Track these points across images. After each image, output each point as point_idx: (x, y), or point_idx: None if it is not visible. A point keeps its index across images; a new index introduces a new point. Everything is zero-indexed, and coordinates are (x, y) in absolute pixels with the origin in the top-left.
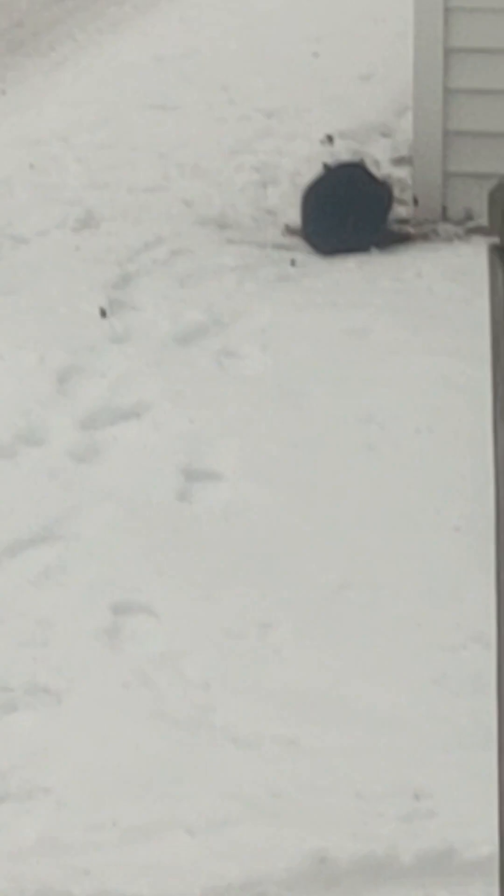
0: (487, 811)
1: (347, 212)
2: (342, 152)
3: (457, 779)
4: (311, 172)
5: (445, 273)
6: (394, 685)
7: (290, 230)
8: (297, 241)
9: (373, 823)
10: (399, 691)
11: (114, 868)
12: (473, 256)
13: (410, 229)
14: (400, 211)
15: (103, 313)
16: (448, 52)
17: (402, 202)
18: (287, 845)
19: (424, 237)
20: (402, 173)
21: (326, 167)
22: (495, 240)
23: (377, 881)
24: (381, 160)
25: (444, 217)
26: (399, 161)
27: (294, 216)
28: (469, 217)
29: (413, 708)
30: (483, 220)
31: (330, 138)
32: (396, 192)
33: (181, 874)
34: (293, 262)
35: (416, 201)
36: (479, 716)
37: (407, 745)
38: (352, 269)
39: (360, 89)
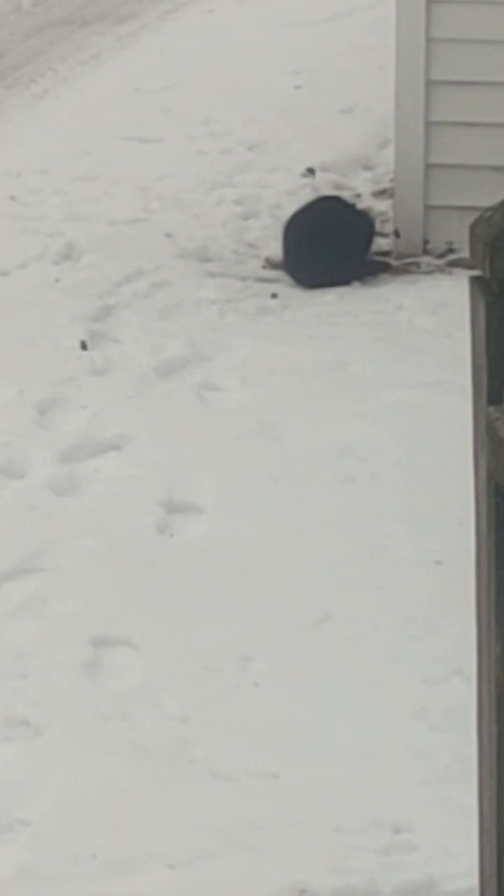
0: (467, 844)
1: (328, 245)
2: (323, 185)
3: (436, 812)
4: (293, 205)
5: (426, 306)
6: (373, 719)
7: (271, 263)
8: (278, 274)
9: (352, 857)
10: (378, 725)
11: None
12: (454, 289)
13: (392, 262)
14: (381, 243)
15: (83, 346)
16: (429, 85)
17: (384, 235)
18: (266, 879)
19: (405, 270)
20: (383, 206)
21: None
22: (476, 272)
23: None
24: (362, 193)
25: (426, 250)
26: (380, 194)
27: (275, 249)
28: (450, 250)
29: (392, 742)
30: (464, 253)
31: (311, 171)
32: (378, 225)
33: None
34: (274, 295)
35: (397, 234)
36: (459, 749)
37: (386, 778)
38: (333, 302)
39: (341, 122)
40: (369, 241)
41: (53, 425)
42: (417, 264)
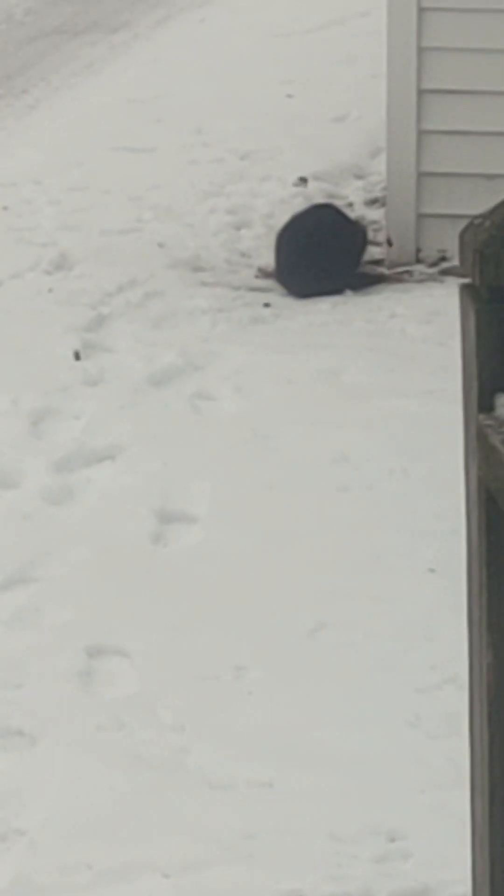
0: (462, 852)
1: (321, 254)
2: (316, 194)
3: (431, 820)
4: (285, 215)
5: (419, 314)
6: (368, 727)
7: (263, 272)
8: (270, 284)
9: (347, 865)
10: (373, 733)
11: None
12: (447, 297)
13: (384, 270)
14: (374, 252)
15: (77, 356)
16: (421, 94)
17: (376, 243)
18: (261, 887)
19: (398, 278)
20: (375, 215)
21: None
22: (467, 280)
23: None
24: (354, 201)
25: (418, 258)
26: (372, 202)
27: (268, 258)
28: (443, 258)
29: (387, 750)
30: (456, 262)
31: (303, 180)
32: (370, 234)
33: None
34: (267, 305)
35: (389, 242)
36: (453, 757)
37: (381, 786)
38: (325, 311)
39: (333, 131)
40: (362, 251)
41: (47, 435)
42: (410, 273)
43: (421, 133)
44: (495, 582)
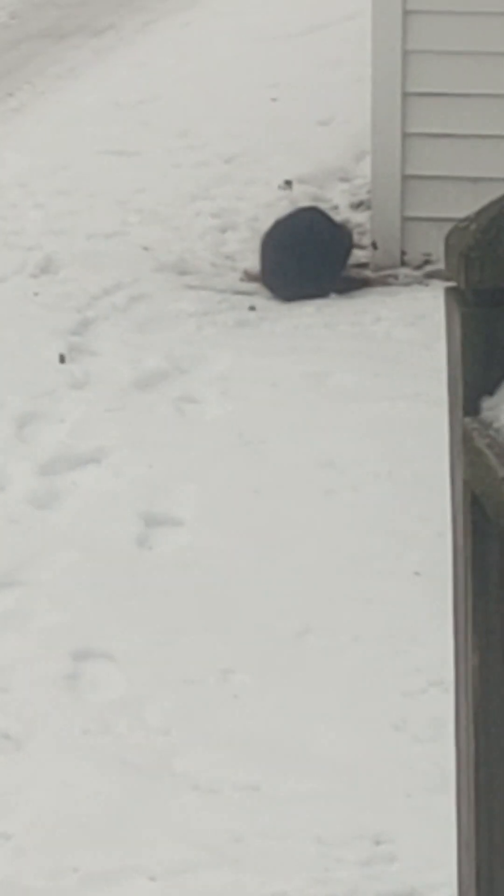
0: (447, 855)
1: (306, 257)
2: (301, 197)
3: (417, 823)
4: (270, 218)
5: (404, 318)
6: (354, 730)
7: (248, 275)
8: (256, 287)
9: (333, 868)
10: (359, 736)
11: None
12: (432, 301)
13: (369, 274)
14: (359, 255)
15: (62, 359)
16: (406, 97)
17: (361, 247)
18: (248, 890)
19: (383, 282)
20: (360, 218)
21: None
22: (452, 283)
23: None
24: (339, 205)
25: (403, 261)
26: (358, 206)
27: (253, 261)
28: (427, 261)
29: (373, 753)
30: (441, 265)
31: (289, 183)
32: (355, 237)
33: None
34: (252, 308)
35: (374, 246)
36: (439, 760)
37: (367, 789)
38: (311, 314)
39: (318, 134)
40: (347, 255)
41: (33, 438)
42: (395, 276)
43: (406, 136)
44: (481, 585)
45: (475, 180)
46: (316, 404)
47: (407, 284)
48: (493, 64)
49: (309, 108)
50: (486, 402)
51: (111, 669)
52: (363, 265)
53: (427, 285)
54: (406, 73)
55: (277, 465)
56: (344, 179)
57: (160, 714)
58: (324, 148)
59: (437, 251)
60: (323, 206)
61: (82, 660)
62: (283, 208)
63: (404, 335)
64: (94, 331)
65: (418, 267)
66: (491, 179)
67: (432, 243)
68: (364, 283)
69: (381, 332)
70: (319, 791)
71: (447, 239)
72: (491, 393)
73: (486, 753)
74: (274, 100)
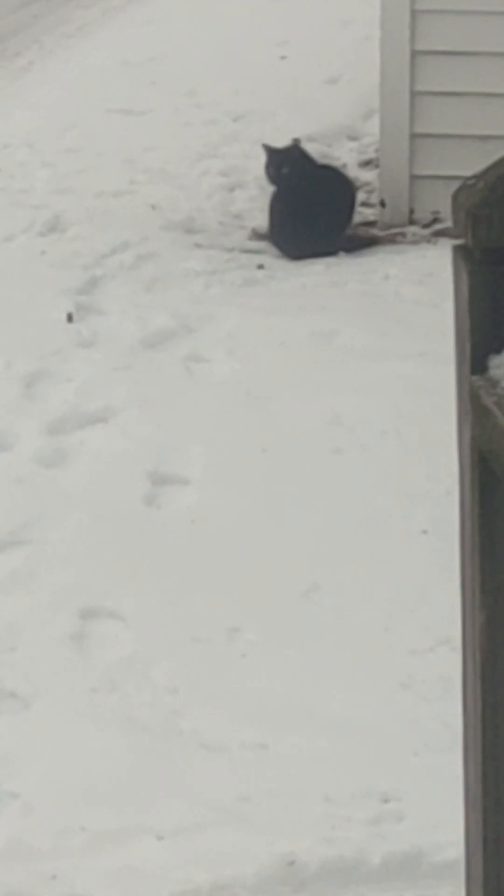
0: (455, 814)
1: (314, 215)
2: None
3: (424, 782)
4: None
5: (412, 276)
6: (361, 689)
7: (257, 234)
8: (264, 245)
9: (341, 827)
10: (367, 695)
11: (82, 873)
12: (440, 259)
13: (377, 232)
14: (367, 214)
15: (70, 318)
16: (415, 55)
17: (370, 205)
18: (255, 850)
19: (391, 240)
20: (369, 176)
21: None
22: (460, 241)
23: (345, 885)
24: (348, 163)
25: (411, 220)
26: (366, 164)
27: (261, 220)
28: (436, 220)
29: (381, 712)
30: (449, 223)
31: (297, 142)
32: (363, 195)
33: (149, 879)
34: (260, 267)
35: (382, 204)
36: (447, 719)
37: (375, 748)
38: (319, 273)
39: (327, 93)
40: (352, 209)
41: (40, 398)
42: (403, 234)
43: (414, 94)
44: (488, 543)
45: (483, 138)
46: (323, 363)
47: (415, 243)
48: (501, 23)
49: (318, 67)
50: (494, 361)
51: (118, 628)
52: (371, 223)
53: (435, 244)
54: (415, 31)
55: (285, 424)
56: (352, 138)
57: (167, 673)
58: (332, 106)
59: (445, 209)
60: (332, 164)
61: (90, 619)
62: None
63: (412, 294)
64: (101, 290)
65: (426, 225)
66: (499, 138)
67: (440, 201)
68: (372, 242)
69: (389, 291)
70: (327, 750)
71: (455, 197)
72: (498, 351)
73: (493, 712)
74: (282, 58)
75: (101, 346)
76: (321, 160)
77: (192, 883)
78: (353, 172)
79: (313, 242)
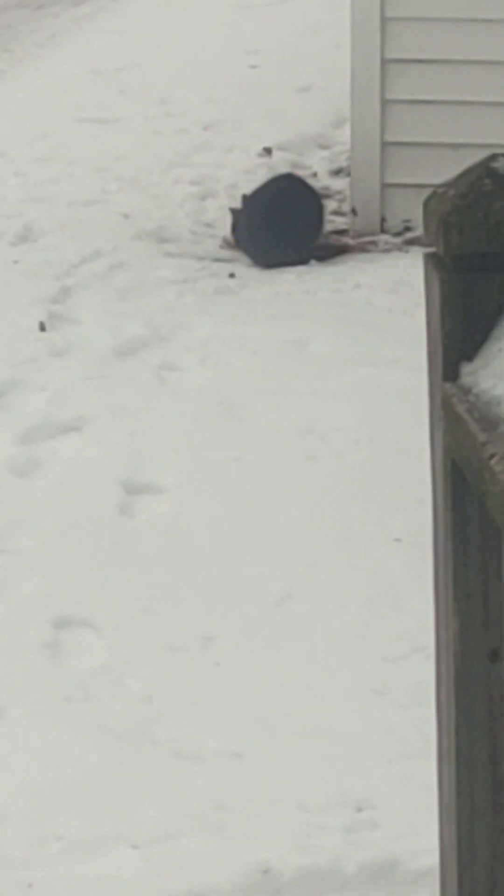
0: (430, 822)
1: (284, 223)
2: (280, 164)
3: (399, 790)
4: (250, 185)
5: (384, 284)
6: (336, 696)
7: (228, 243)
8: (235, 254)
9: (316, 835)
10: (341, 702)
11: (57, 882)
12: (412, 267)
13: (349, 240)
14: (338, 222)
15: (42, 327)
16: (385, 63)
17: (341, 213)
18: (230, 857)
19: (363, 248)
20: (340, 184)
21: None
22: (431, 249)
23: (321, 893)
24: (319, 172)
25: (383, 228)
26: (337, 172)
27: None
28: (407, 228)
29: (355, 719)
30: (421, 231)
31: (268, 150)
32: (335, 204)
33: (125, 888)
34: (232, 275)
35: (354, 212)
36: (421, 726)
37: (349, 756)
38: (291, 281)
39: (297, 101)
40: (321, 221)
41: (13, 406)
42: (375, 242)
43: (385, 102)
44: (461, 551)
45: (455, 146)
46: (296, 371)
47: (387, 251)
48: (472, 30)
49: (288, 75)
50: (466, 368)
51: (92, 637)
52: (343, 232)
53: (407, 252)
54: (385, 39)
55: (258, 432)
56: (323, 146)
57: (142, 681)
58: (303, 115)
59: (417, 218)
60: (302, 172)
61: (63, 627)
62: (262, 175)
63: (384, 302)
64: (73, 299)
65: (398, 233)
66: (470, 145)
67: (412, 210)
68: (344, 250)
69: (360, 299)
70: (301, 758)
71: (426, 204)
72: (470, 359)
73: (467, 719)
74: (253, 67)
75: (74, 355)
76: (292, 169)
77: (168, 891)
78: (325, 181)
79: (284, 250)
